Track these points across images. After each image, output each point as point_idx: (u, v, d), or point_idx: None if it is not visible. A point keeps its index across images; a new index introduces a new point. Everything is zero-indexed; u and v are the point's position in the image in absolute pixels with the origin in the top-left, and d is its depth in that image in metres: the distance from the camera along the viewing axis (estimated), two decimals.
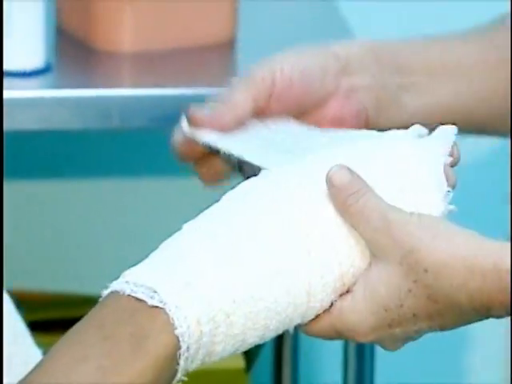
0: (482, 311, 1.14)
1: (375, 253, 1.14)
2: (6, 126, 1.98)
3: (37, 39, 2.11)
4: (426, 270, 1.13)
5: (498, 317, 1.15)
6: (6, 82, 2.04)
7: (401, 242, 1.14)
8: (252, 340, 1.13)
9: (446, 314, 1.16)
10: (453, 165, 1.23)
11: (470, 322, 1.16)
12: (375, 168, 1.24)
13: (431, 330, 1.17)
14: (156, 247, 1.12)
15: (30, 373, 1.08)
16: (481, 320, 1.16)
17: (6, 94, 1.99)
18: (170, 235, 1.13)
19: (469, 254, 1.16)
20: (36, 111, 2.06)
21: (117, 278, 1.09)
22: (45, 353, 1.18)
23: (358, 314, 1.15)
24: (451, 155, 1.23)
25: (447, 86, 1.50)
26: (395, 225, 1.16)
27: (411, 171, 1.25)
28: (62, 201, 2.65)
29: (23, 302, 1.65)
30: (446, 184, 1.23)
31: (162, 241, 1.13)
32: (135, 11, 2.17)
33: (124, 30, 2.17)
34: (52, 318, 2.17)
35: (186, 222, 1.14)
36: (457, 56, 1.51)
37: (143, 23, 2.18)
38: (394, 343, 1.17)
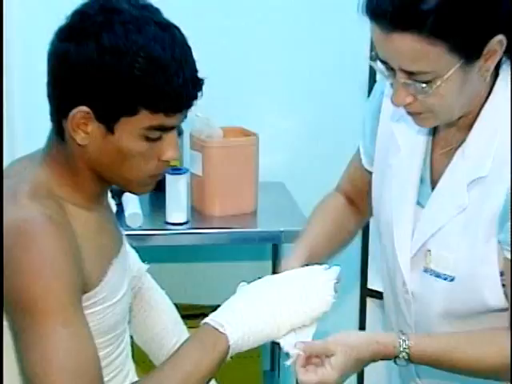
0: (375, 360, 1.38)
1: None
2: (171, 243, 2.27)
3: (183, 207, 2.30)
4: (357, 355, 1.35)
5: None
6: (170, 227, 2.26)
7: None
8: (257, 345, 1.36)
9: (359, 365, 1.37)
10: (337, 282, 1.40)
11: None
12: (298, 285, 1.38)
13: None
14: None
15: (169, 358, 1.31)
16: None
17: (170, 232, 2.24)
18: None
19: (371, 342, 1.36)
20: (184, 238, 2.28)
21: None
22: (189, 330, 1.62)
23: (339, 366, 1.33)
24: (337, 279, 1.40)
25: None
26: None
27: (319, 284, 1.39)
28: (203, 271, 2.72)
29: (180, 307, 1.72)
30: (333, 291, 1.38)
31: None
32: (219, 199, 2.36)
33: (215, 207, 2.37)
34: (190, 313, 2.17)
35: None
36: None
37: (222, 204, 2.36)
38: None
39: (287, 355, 1.33)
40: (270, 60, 2.58)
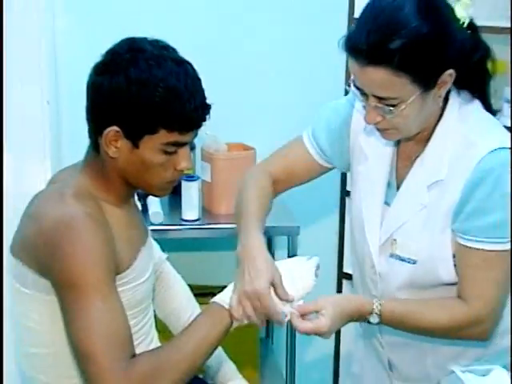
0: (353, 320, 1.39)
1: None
2: (186, 236, 2.17)
3: (196, 207, 2.24)
4: (342, 311, 1.35)
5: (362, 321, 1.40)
6: (184, 223, 2.20)
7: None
8: None
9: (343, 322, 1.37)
10: (317, 269, 1.38)
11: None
12: (289, 269, 1.37)
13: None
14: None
15: (185, 329, 1.30)
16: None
17: (185, 227, 2.15)
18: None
19: (350, 302, 1.38)
20: (196, 232, 2.21)
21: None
22: (200, 306, 1.61)
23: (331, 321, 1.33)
24: (317, 266, 1.39)
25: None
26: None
27: (303, 271, 1.38)
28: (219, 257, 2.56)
29: (192, 288, 1.69)
30: (314, 275, 1.38)
31: None
32: (225, 201, 2.26)
33: (221, 207, 2.28)
34: (200, 292, 2.06)
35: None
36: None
37: (227, 205, 2.24)
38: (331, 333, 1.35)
39: (283, 316, 1.33)
40: (266, 87, 2.51)
